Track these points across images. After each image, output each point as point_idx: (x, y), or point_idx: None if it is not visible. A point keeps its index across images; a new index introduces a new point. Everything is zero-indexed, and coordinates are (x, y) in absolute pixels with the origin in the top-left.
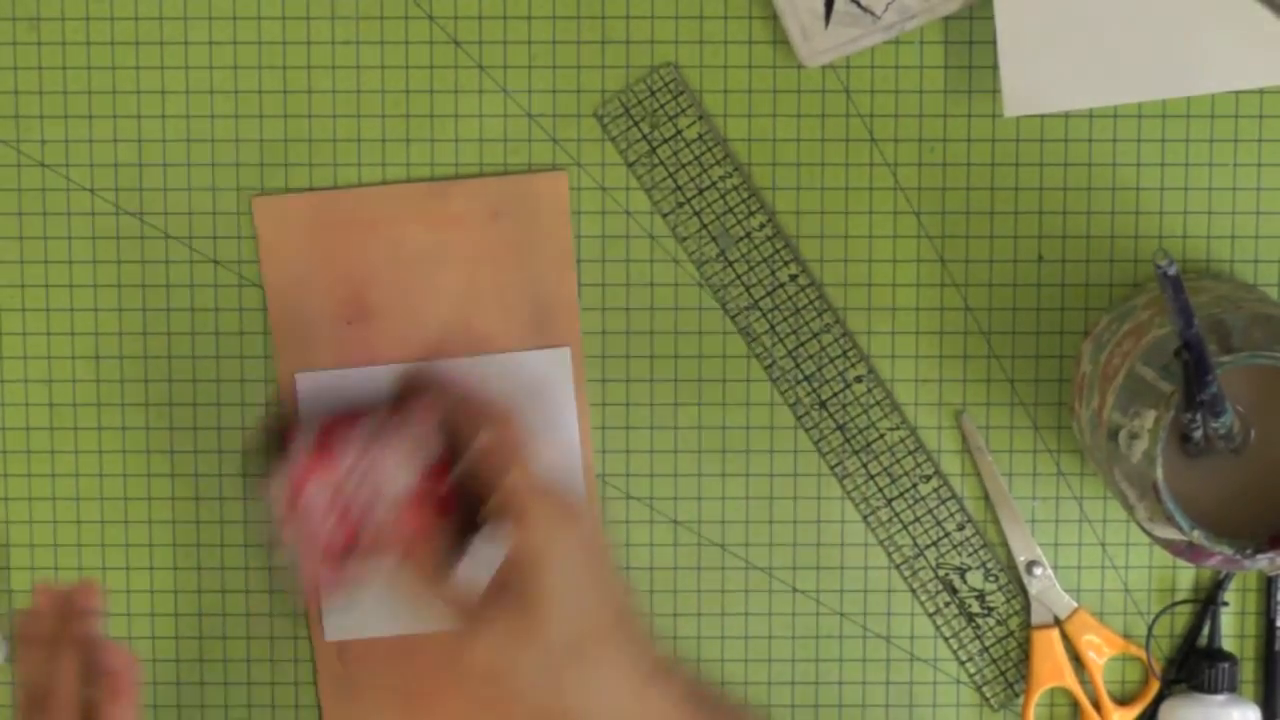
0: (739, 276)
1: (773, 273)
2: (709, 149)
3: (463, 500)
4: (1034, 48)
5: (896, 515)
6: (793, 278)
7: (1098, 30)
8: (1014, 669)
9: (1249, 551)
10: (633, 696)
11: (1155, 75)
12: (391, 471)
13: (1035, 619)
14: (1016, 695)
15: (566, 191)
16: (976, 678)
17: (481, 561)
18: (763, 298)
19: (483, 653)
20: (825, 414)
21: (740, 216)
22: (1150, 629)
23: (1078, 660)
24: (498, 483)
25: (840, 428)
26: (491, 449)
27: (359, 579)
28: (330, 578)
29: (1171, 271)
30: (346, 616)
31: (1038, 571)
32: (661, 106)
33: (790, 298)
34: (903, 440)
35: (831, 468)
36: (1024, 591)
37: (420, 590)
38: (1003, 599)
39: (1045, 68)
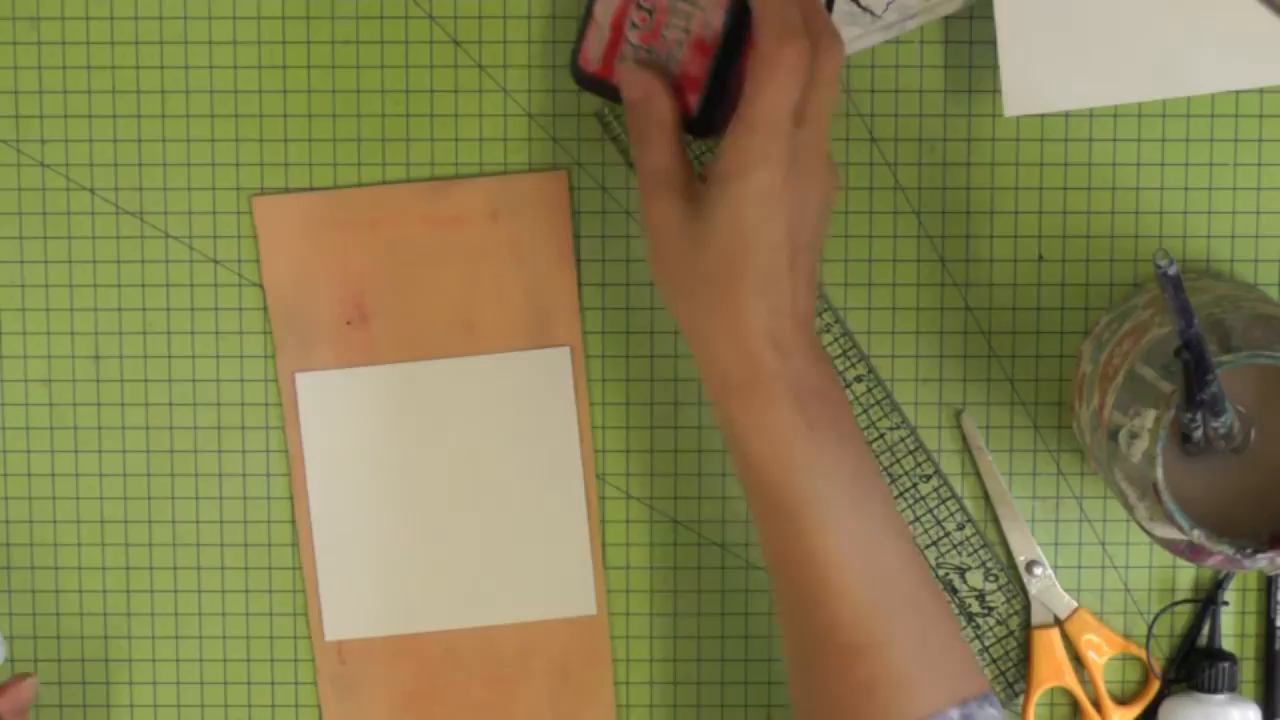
0: None
1: None
2: (708, 148)
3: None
4: (1034, 47)
5: None
6: None
7: (1098, 30)
8: (1014, 668)
9: (1249, 551)
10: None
11: (1156, 75)
12: (695, 10)
13: (1035, 619)
14: (1016, 695)
15: (566, 191)
16: None
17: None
18: None
19: (649, 217)
20: None
21: None
22: (1150, 629)
23: (1078, 660)
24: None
25: None
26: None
27: (621, 66)
28: (609, 53)
29: (1171, 271)
30: (346, 616)
31: (1038, 571)
32: None
33: None
34: (903, 440)
35: None
36: (1024, 591)
37: (642, 133)
38: (1003, 598)
39: (1045, 67)
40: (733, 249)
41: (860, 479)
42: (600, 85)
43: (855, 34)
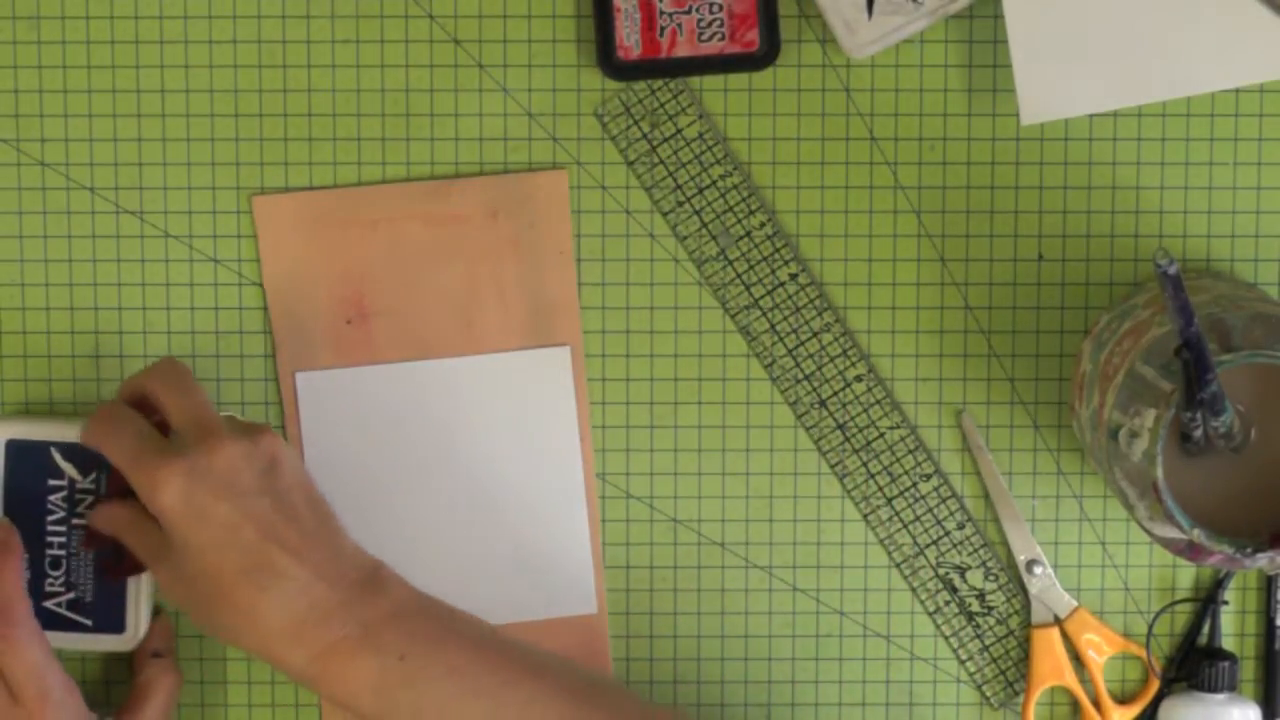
0: (739, 275)
1: (773, 272)
2: (709, 148)
3: None
4: (1047, 56)
5: (896, 514)
6: (793, 277)
7: (1108, 35)
8: (1014, 668)
9: (1249, 550)
10: (274, 642)
11: (1164, 76)
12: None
13: (1035, 618)
14: (1016, 694)
15: (566, 190)
16: (976, 676)
17: None
18: (763, 297)
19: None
20: (825, 413)
21: (740, 215)
22: (1150, 628)
23: (1078, 659)
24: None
25: (840, 427)
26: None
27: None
28: (647, 33)
29: (1171, 270)
30: None
31: (1038, 570)
32: (661, 105)
33: (790, 297)
34: (903, 439)
35: (831, 467)
36: (1024, 590)
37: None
38: (1003, 598)
39: (1059, 75)
40: (201, 566)
41: (475, 668)
42: (646, 68)
43: (899, 22)
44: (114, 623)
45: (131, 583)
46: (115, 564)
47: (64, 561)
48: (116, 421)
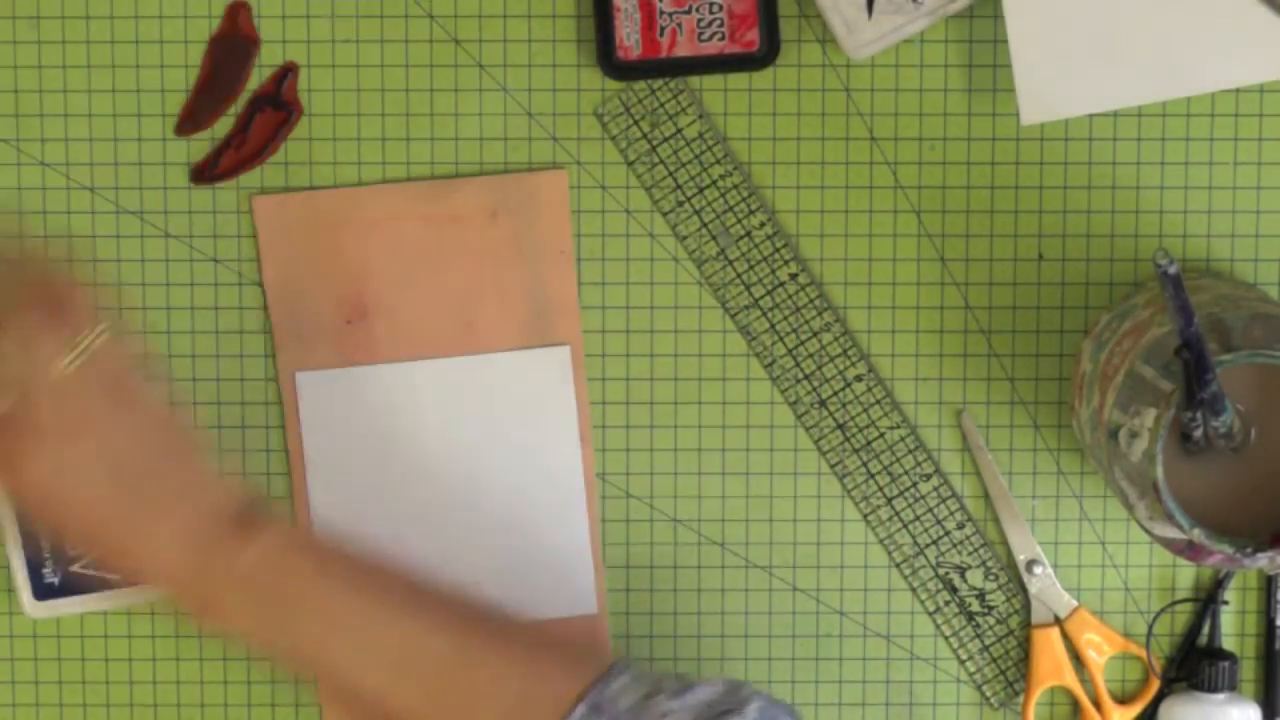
0: (739, 275)
1: (773, 271)
2: (709, 148)
3: None
4: (1047, 55)
5: (896, 514)
6: (793, 276)
7: (1108, 35)
8: (1014, 668)
9: (1249, 550)
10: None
11: (1165, 76)
12: None
13: (1035, 618)
14: (1016, 694)
15: (566, 190)
16: (976, 676)
17: None
18: (763, 297)
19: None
20: (825, 413)
21: (740, 215)
22: (1150, 628)
23: (1078, 659)
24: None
25: (840, 426)
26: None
27: None
28: (646, 33)
29: (1172, 270)
30: None
31: (1038, 570)
32: (661, 105)
33: (790, 297)
34: (903, 439)
35: (831, 466)
36: (1024, 590)
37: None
38: (1003, 598)
39: (1059, 75)
40: (68, 526)
41: (349, 606)
42: (645, 68)
43: (899, 22)
44: None
45: None
46: None
47: None
48: None
